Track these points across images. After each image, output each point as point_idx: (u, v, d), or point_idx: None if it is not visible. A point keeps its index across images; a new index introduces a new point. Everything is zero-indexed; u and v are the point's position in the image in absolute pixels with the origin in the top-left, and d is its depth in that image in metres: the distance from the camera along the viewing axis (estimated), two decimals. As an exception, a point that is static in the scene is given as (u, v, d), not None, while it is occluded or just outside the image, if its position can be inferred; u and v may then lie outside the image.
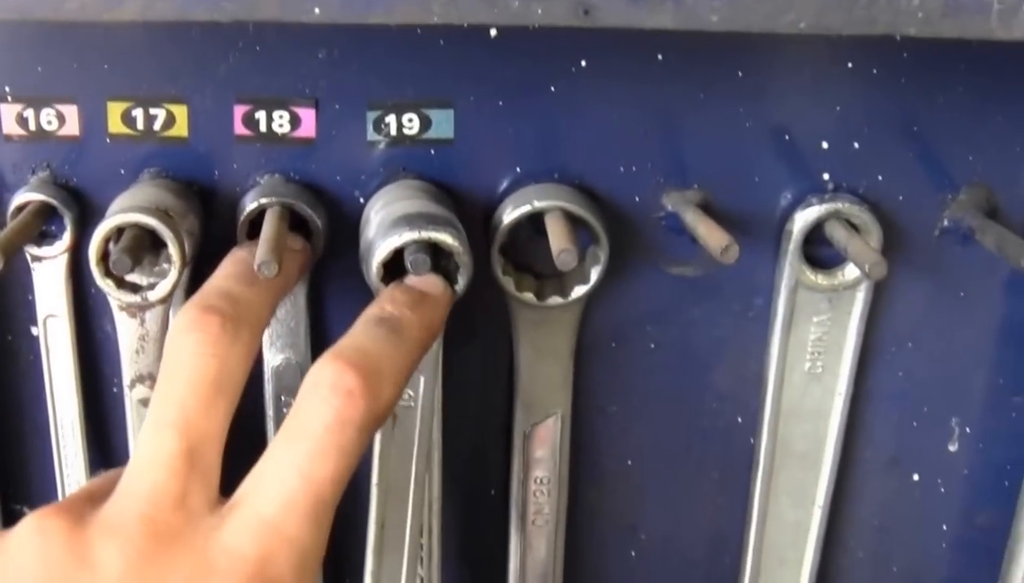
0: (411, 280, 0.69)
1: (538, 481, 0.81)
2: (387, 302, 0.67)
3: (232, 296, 0.65)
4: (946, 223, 0.76)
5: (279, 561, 0.59)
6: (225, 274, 0.68)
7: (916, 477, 0.85)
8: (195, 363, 0.62)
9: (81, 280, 0.79)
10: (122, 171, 0.76)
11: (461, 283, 0.70)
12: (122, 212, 0.70)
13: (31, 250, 0.77)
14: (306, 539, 0.59)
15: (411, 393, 0.74)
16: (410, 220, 0.69)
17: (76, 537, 0.59)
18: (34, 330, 0.81)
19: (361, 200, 0.76)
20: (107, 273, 0.71)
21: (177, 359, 0.63)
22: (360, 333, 0.65)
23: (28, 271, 0.79)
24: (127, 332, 0.74)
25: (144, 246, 0.70)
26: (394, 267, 0.69)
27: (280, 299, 0.70)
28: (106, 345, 0.81)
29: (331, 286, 0.79)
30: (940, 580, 0.89)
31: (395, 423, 0.74)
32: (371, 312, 0.67)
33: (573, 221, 0.71)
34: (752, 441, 0.82)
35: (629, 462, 0.85)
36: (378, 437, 0.75)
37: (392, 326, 0.65)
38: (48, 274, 0.79)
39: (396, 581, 0.79)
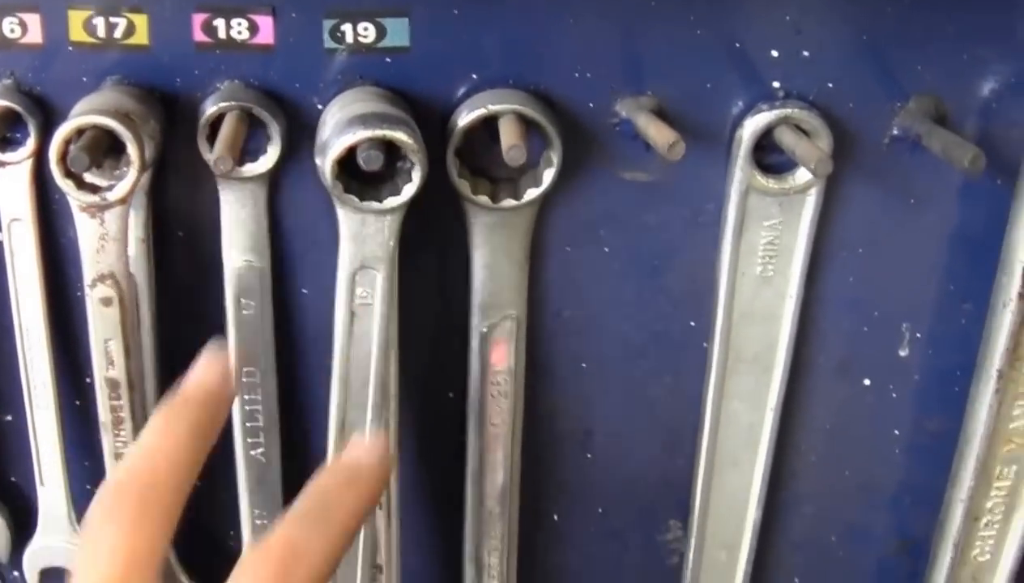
0: (348, 453, 0.72)
1: (495, 383, 0.91)
2: (319, 484, 0.70)
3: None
4: (895, 131, 0.85)
5: None
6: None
7: (867, 382, 0.95)
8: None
9: (45, 185, 0.88)
10: (84, 79, 0.85)
11: (416, 181, 0.79)
12: (83, 114, 0.79)
13: None
14: None
15: (367, 291, 0.84)
16: (364, 119, 0.78)
17: None
18: None
19: (319, 106, 0.85)
20: (67, 173, 0.80)
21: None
22: (289, 522, 0.67)
23: None
24: (87, 232, 0.83)
25: (104, 148, 0.79)
26: (349, 167, 0.79)
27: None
28: (69, 250, 0.90)
29: (289, 190, 0.88)
30: (892, 484, 0.99)
31: (352, 320, 0.84)
32: (304, 496, 0.69)
33: (527, 124, 0.80)
34: (705, 345, 0.91)
35: (584, 365, 0.94)
36: (337, 335, 0.85)
37: (322, 512, 0.68)
38: (12, 179, 0.88)
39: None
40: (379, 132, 0.77)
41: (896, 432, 0.97)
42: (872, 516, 1.01)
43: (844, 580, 1.05)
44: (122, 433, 0.90)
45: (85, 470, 1.00)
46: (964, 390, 0.93)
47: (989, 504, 0.94)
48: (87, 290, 0.85)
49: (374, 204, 0.81)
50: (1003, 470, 0.93)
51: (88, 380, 0.94)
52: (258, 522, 0.97)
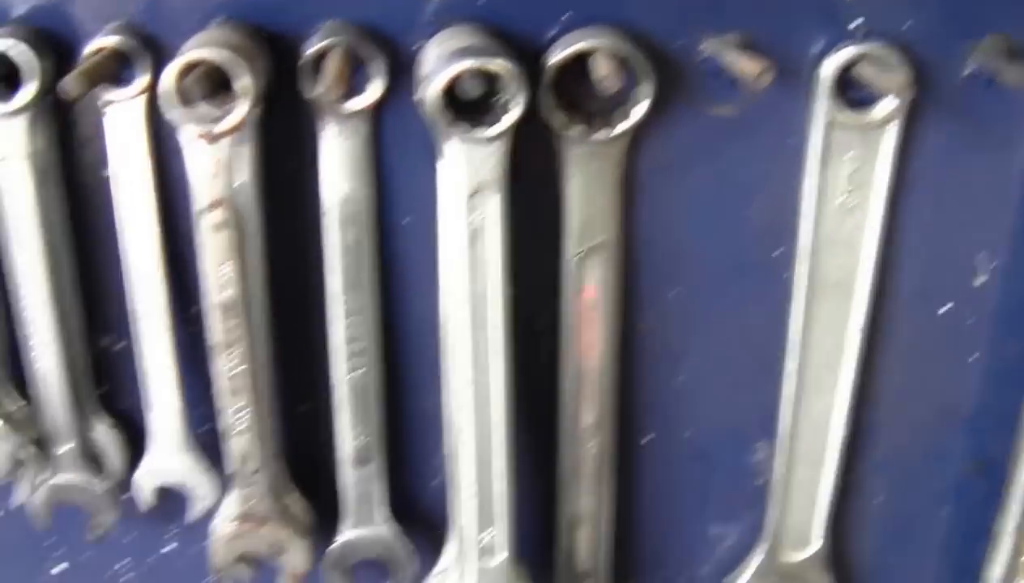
0: None
1: (589, 307, 1.01)
2: None
3: None
4: (971, 68, 0.94)
5: None
6: None
7: (945, 309, 1.04)
8: None
9: (156, 123, 0.99)
10: (194, 19, 0.96)
11: (518, 107, 0.90)
12: (194, 50, 0.90)
13: (106, 95, 0.98)
14: None
15: (482, 214, 0.94)
16: (465, 52, 0.89)
17: None
18: (110, 170, 1.02)
19: (417, 45, 0.95)
20: (180, 104, 0.91)
21: None
22: None
23: (100, 118, 1.00)
24: (200, 161, 0.95)
25: (215, 83, 0.90)
26: (450, 99, 0.89)
27: None
28: (177, 185, 1.01)
29: (389, 124, 0.99)
30: (970, 406, 1.09)
31: (470, 242, 0.95)
32: None
33: (618, 60, 0.90)
34: (790, 272, 1.01)
35: (674, 292, 1.05)
36: (455, 257, 0.96)
37: None
38: (124, 117, 0.99)
39: (487, 391, 1.02)
40: (479, 62, 0.87)
41: (973, 357, 1.06)
42: (951, 438, 1.10)
43: (924, 499, 1.14)
44: (235, 354, 1.01)
45: (194, 393, 1.11)
46: None
47: None
48: (200, 217, 0.96)
49: (483, 132, 0.91)
50: None
51: (194, 308, 1.05)
52: (358, 441, 1.08)
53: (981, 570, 1.13)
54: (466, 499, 1.06)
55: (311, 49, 0.94)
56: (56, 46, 0.99)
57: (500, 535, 1.07)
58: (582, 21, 0.94)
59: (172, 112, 0.91)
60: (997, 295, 1.04)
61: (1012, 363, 1.05)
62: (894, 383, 1.08)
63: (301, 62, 0.94)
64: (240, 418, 1.05)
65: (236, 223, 0.97)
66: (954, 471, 1.12)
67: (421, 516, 1.16)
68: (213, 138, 0.93)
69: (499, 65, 0.88)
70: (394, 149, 1.00)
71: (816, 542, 1.11)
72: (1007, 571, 1.10)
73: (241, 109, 0.92)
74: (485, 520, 1.07)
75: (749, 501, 1.13)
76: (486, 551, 1.08)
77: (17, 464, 1.14)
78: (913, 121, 0.96)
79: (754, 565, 1.13)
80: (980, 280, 1.03)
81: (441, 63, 0.89)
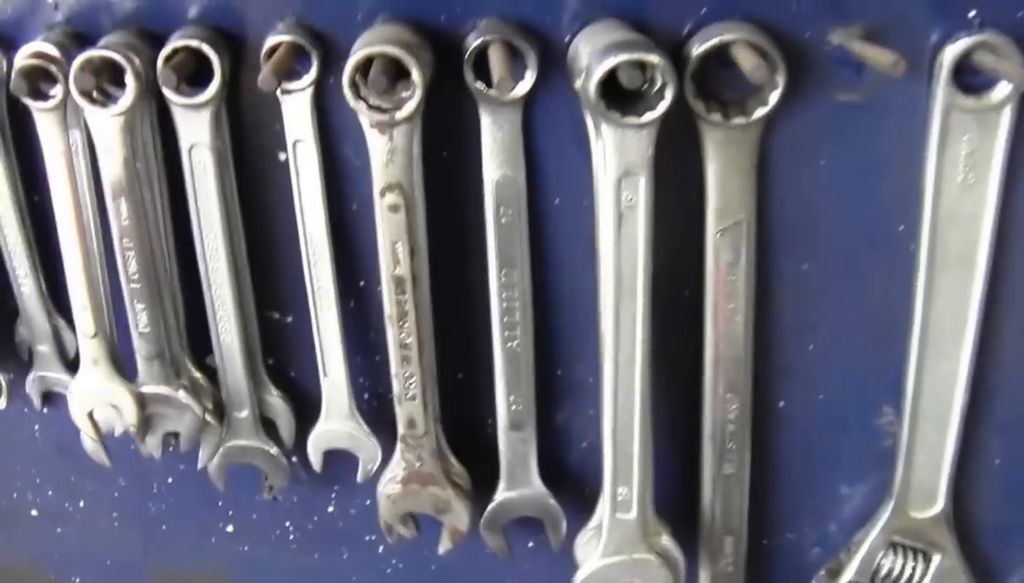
0: None
1: (728, 280, 1.13)
2: None
3: None
4: None
5: None
6: None
7: (1061, 278, 1.13)
8: None
9: (325, 110, 1.14)
10: (359, 16, 1.11)
11: (668, 97, 1.01)
12: (371, 45, 1.04)
13: (283, 84, 1.12)
14: None
15: (632, 194, 1.06)
16: (621, 45, 1.01)
17: None
18: (282, 156, 1.17)
19: (567, 38, 1.09)
20: (358, 96, 1.05)
21: None
22: None
23: (277, 105, 1.14)
24: (377, 147, 1.07)
25: (391, 75, 1.03)
26: (607, 88, 1.01)
27: None
28: (345, 166, 1.16)
29: (539, 112, 1.12)
30: (1091, 375, 1.17)
31: (621, 221, 1.08)
32: None
33: (755, 51, 1.02)
34: (914, 246, 1.11)
35: (806, 265, 1.16)
36: (607, 234, 1.08)
37: None
38: (296, 105, 1.14)
39: (631, 358, 1.14)
40: (637, 55, 1.00)
41: (1091, 323, 1.15)
42: (1071, 403, 1.19)
43: (1042, 462, 1.23)
44: (406, 325, 1.15)
45: (358, 364, 1.27)
46: None
47: None
48: (377, 198, 1.09)
49: (634, 119, 1.03)
50: None
51: (362, 283, 1.20)
52: (513, 408, 1.21)
53: None
54: (606, 458, 1.17)
55: (472, 44, 1.07)
56: (231, 42, 1.14)
57: (634, 492, 1.19)
58: (717, 16, 1.06)
59: (353, 103, 1.05)
60: None
61: None
62: (1013, 350, 1.17)
63: (466, 56, 1.07)
64: (409, 385, 1.17)
65: (407, 205, 1.09)
66: None
67: (573, 477, 1.29)
68: (389, 126, 1.06)
69: (654, 57, 0.99)
70: (545, 136, 1.12)
71: (940, 501, 1.20)
72: None
73: (414, 100, 1.05)
74: (622, 478, 1.18)
75: (876, 462, 1.23)
76: (622, 506, 1.20)
77: (201, 428, 1.30)
78: None
79: (881, 523, 1.23)
80: None
81: (597, 56, 1.00)
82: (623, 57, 0.99)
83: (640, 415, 1.15)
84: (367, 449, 1.29)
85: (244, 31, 1.14)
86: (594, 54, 1.02)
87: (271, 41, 1.11)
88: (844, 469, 1.27)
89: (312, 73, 1.12)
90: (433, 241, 1.16)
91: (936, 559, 1.24)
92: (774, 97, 1.05)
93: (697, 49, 1.04)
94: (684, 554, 1.25)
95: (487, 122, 1.11)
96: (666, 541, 1.23)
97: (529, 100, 1.11)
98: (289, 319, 1.27)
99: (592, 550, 1.23)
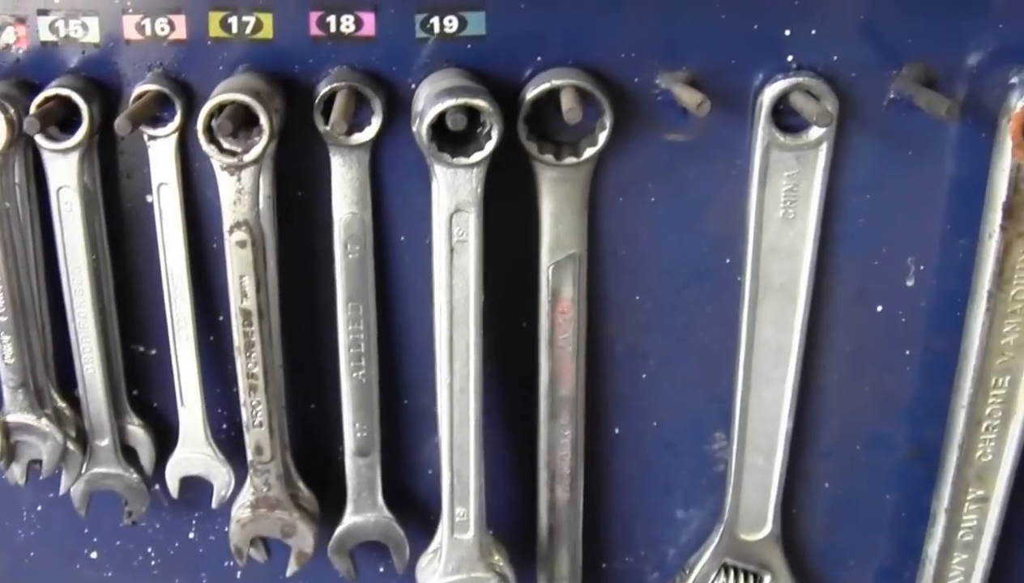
0: None
1: (562, 312, 1.16)
2: None
3: None
4: (892, 94, 1.09)
5: None
6: None
7: (880, 308, 1.18)
8: None
9: (188, 155, 1.17)
10: (220, 67, 1.13)
11: (494, 138, 1.05)
12: (223, 93, 1.07)
13: (147, 131, 1.15)
14: None
15: (463, 230, 1.10)
16: (450, 92, 1.04)
17: None
18: (149, 197, 1.19)
19: (412, 86, 1.12)
20: (211, 140, 1.07)
21: None
22: None
23: (145, 150, 1.17)
24: (227, 188, 1.10)
25: (240, 120, 1.06)
26: (439, 131, 1.05)
27: None
28: (206, 207, 1.18)
29: (388, 155, 1.15)
30: (906, 397, 1.22)
31: (452, 255, 1.11)
32: None
33: (583, 95, 1.06)
34: (738, 278, 1.15)
35: (637, 297, 1.19)
36: (440, 269, 1.11)
37: None
38: (161, 150, 1.17)
39: (465, 384, 1.16)
40: (462, 100, 1.03)
41: (907, 351, 1.20)
42: (890, 426, 1.24)
43: (868, 484, 1.27)
44: (253, 355, 1.17)
45: (216, 394, 1.29)
46: (964, 314, 1.14)
47: (988, 410, 1.15)
48: (226, 235, 1.12)
49: (463, 159, 1.06)
50: (998, 380, 1.13)
51: (220, 317, 1.22)
52: (359, 435, 1.24)
53: (922, 548, 1.26)
54: (444, 480, 1.20)
55: (321, 92, 1.10)
56: (104, 91, 1.16)
57: (471, 512, 1.21)
58: (554, 62, 1.10)
59: (205, 147, 1.07)
60: (927, 295, 1.17)
61: (942, 356, 1.18)
62: (836, 377, 1.21)
63: (315, 101, 1.11)
64: (256, 413, 1.20)
65: (254, 242, 1.12)
66: (895, 457, 1.25)
67: (419, 503, 1.31)
68: (237, 168, 1.09)
69: (479, 102, 1.03)
70: (392, 176, 1.16)
71: (769, 524, 1.23)
72: (944, 547, 1.23)
73: (261, 144, 1.08)
74: (460, 499, 1.21)
75: (710, 487, 1.27)
76: (459, 526, 1.22)
77: (62, 455, 1.31)
78: (843, 142, 1.10)
79: (712, 546, 1.26)
80: (911, 282, 1.16)
81: (431, 101, 1.04)
82: (450, 102, 1.03)
83: (475, 439, 1.18)
84: (221, 476, 1.31)
85: (118, 81, 1.17)
86: (428, 100, 1.06)
87: (139, 89, 1.14)
88: (679, 494, 1.30)
89: (176, 120, 1.16)
90: (285, 276, 1.20)
91: (767, 580, 1.28)
92: (602, 137, 1.09)
93: (529, 94, 1.08)
94: (523, 575, 1.28)
95: (337, 164, 1.15)
96: (501, 562, 1.26)
97: (377, 143, 1.14)
98: (153, 352, 1.29)
99: (432, 571, 1.25)
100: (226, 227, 1.12)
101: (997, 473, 1.19)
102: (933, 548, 1.24)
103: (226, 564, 1.37)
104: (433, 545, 1.26)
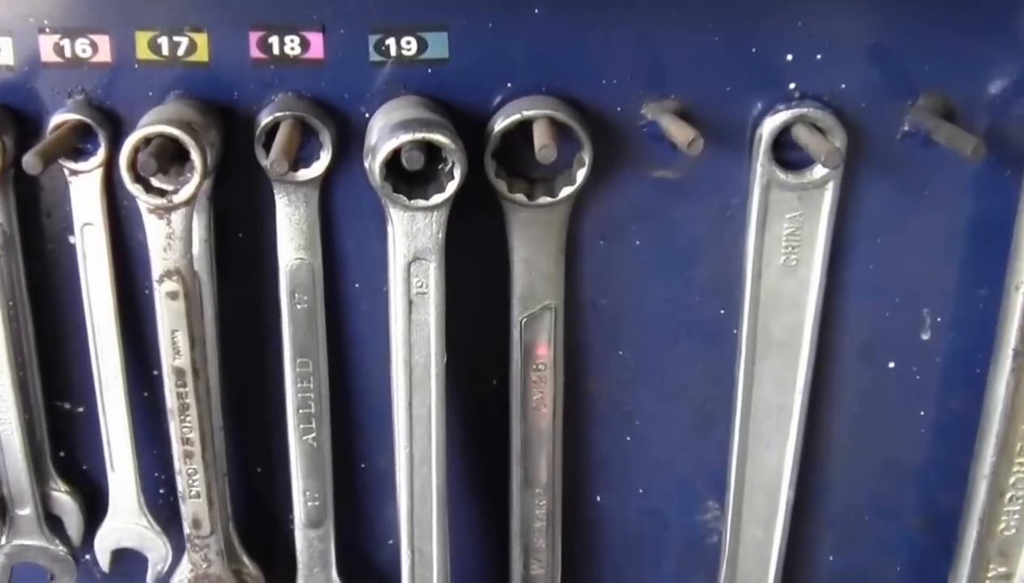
0: None
1: (536, 369, 1.06)
2: None
3: None
4: (907, 127, 0.99)
5: None
6: None
7: (891, 364, 1.08)
8: None
9: (115, 193, 1.05)
10: (150, 93, 1.01)
11: (457, 178, 0.94)
12: (150, 125, 0.95)
13: (69, 165, 1.03)
14: None
15: (422, 280, 0.99)
16: (406, 125, 0.93)
17: None
18: (71, 239, 1.07)
19: (366, 115, 1.00)
20: (136, 178, 0.95)
21: None
22: None
23: (66, 186, 1.05)
24: (155, 232, 0.99)
25: (169, 155, 0.95)
26: (397, 169, 0.94)
27: None
28: (137, 252, 1.07)
29: (340, 193, 1.04)
30: (919, 462, 1.12)
31: (411, 308, 1.00)
32: None
33: (559, 128, 0.95)
34: (734, 331, 1.05)
35: (620, 352, 1.09)
36: (397, 323, 1.01)
37: None
38: (85, 187, 1.05)
39: (427, 453, 1.05)
40: (420, 135, 0.92)
41: (921, 412, 1.10)
42: (900, 494, 1.14)
43: (875, 555, 1.18)
44: (188, 419, 1.05)
45: (153, 457, 1.16)
46: (985, 371, 1.05)
47: (1012, 479, 1.06)
48: (155, 285, 1.00)
49: (421, 202, 0.96)
50: None
51: (156, 372, 1.10)
52: (309, 504, 1.13)
53: None
54: (403, 559, 1.10)
55: (262, 122, 0.99)
56: (19, 120, 1.04)
57: None
58: (526, 89, 0.99)
59: (130, 186, 0.96)
60: (943, 350, 1.07)
61: (958, 418, 1.09)
62: (842, 440, 1.12)
63: (256, 133, 0.99)
64: (193, 482, 1.08)
65: (187, 293, 1.01)
66: (905, 527, 1.16)
67: (378, 575, 1.20)
68: (166, 211, 0.97)
69: (439, 138, 0.92)
70: (344, 217, 1.05)
71: None
72: None
73: (192, 183, 0.96)
74: (421, 580, 1.11)
75: (702, 560, 1.17)
76: None
77: None
78: (851, 180, 1.00)
79: None
80: (926, 335, 1.07)
81: (385, 135, 0.94)
82: (405, 138, 0.93)
83: (438, 513, 1.08)
84: (156, 548, 1.19)
85: (36, 108, 1.05)
86: (382, 133, 0.95)
87: (57, 119, 1.02)
88: (668, 568, 1.21)
89: (100, 154, 1.04)
90: (225, 328, 1.09)
91: None
92: (581, 175, 0.98)
93: (498, 125, 0.97)
94: None
95: (282, 203, 1.04)
96: None
97: (327, 179, 1.03)
98: (80, 409, 1.17)
99: None
100: (155, 276, 1.01)
101: (1021, 548, 1.10)
102: None
103: (165, 643, 1.23)
104: None
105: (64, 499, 1.20)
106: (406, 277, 0.99)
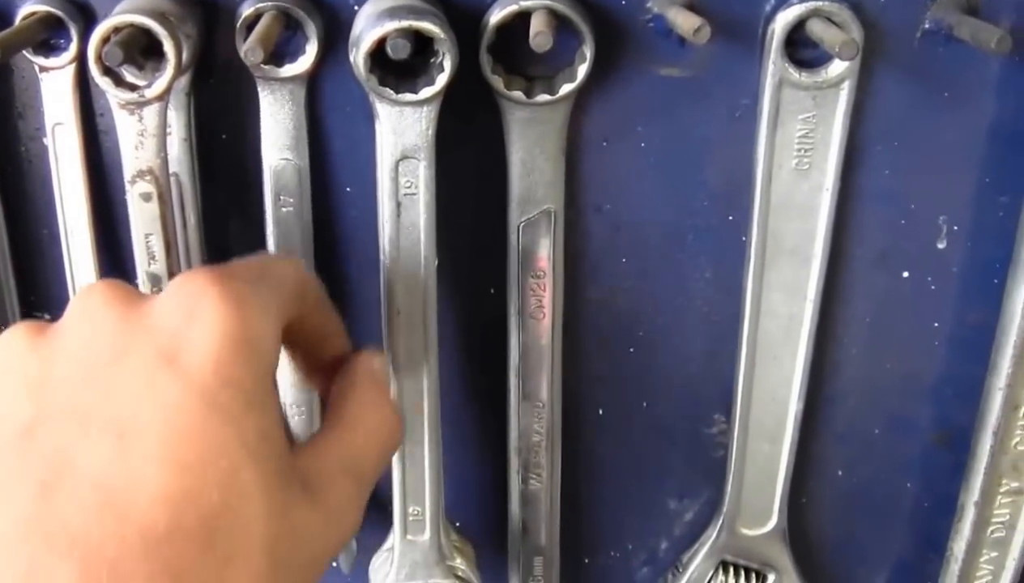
0: None
1: (535, 276, 1.00)
2: None
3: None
4: (928, 24, 0.92)
5: None
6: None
7: (906, 274, 1.02)
8: None
9: (88, 91, 0.98)
10: (127, -19, 0.94)
11: (447, 70, 0.88)
12: (121, 14, 0.88)
13: (39, 61, 0.96)
14: None
15: (411, 181, 0.93)
16: (393, 12, 0.87)
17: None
18: (44, 140, 1.00)
19: (355, 8, 0.93)
20: (106, 71, 0.89)
21: None
22: None
23: (37, 82, 0.98)
24: (126, 130, 0.92)
25: (141, 47, 0.88)
26: (384, 62, 0.87)
27: None
28: (112, 153, 1.00)
29: (328, 90, 0.97)
30: (933, 375, 1.07)
31: (399, 210, 0.94)
32: None
33: (559, 19, 0.88)
34: (744, 239, 0.99)
35: (624, 260, 1.03)
36: (384, 225, 0.95)
37: None
38: (56, 84, 0.98)
39: (416, 366, 1.00)
40: (406, 23, 0.86)
41: (936, 324, 1.05)
42: (914, 408, 1.09)
43: (886, 471, 1.12)
44: None
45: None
46: (1003, 282, 1.00)
47: None
48: (127, 186, 0.94)
49: (409, 95, 0.89)
50: None
51: (135, 283, 1.02)
52: (296, 417, 1.08)
53: (947, 544, 1.11)
54: (394, 474, 1.05)
55: (246, 12, 0.92)
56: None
57: (427, 510, 1.07)
58: None
59: (98, 79, 0.89)
60: (960, 260, 1.02)
61: (975, 330, 1.04)
62: (854, 352, 1.06)
63: (237, 26, 0.92)
64: None
65: (162, 194, 0.94)
66: (918, 442, 1.11)
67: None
68: (137, 107, 0.91)
69: (427, 26, 0.86)
70: (334, 115, 0.98)
71: (774, 517, 1.10)
72: (971, 544, 1.09)
73: (165, 78, 0.89)
74: (413, 496, 1.06)
75: (708, 475, 1.12)
76: (413, 526, 1.08)
77: None
78: (868, 81, 0.94)
79: (709, 541, 1.12)
80: (942, 244, 1.01)
81: (371, 23, 0.87)
82: (391, 26, 0.86)
83: (430, 426, 1.03)
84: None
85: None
86: (367, 22, 0.88)
87: (26, 9, 0.95)
88: (672, 483, 1.15)
89: (72, 48, 0.96)
90: (211, 234, 1.03)
91: (771, 579, 1.13)
92: (582, 71, 0.92)
93: (494, 17, 0.90)
94: (493, 576, 1.14)
95: (266, 102, 0.96)
96: (464, 566, 1.11)
97: (315, 76, 0.96)
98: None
99: (384, 576, 1.10)
100: (127, 177, 0.94)
101: None
102: (960, 545, 1.10)
103: None
104: (387, 543, 1.11)
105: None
106: (394, 177, 0.93)
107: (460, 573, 1.09)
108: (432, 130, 0.91)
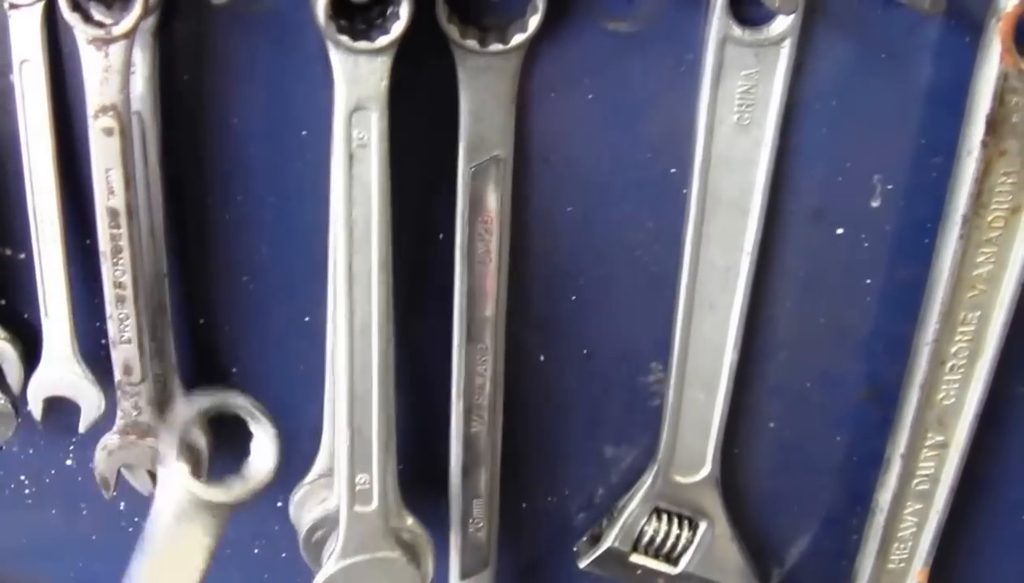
0: None
1: (483, 222, 1.00)
2: None
3: None
4: None
5: None
6: None
7: (840, 231, 1.03)
8: None
9: (56, 29, 0.97)
10: (96, -87, 0.93)
11: (403, 17, 0.87)
12: None
13: None
14: None
15: (364, 132, 0.92)
16: None
17: None
18: (11, 76, 0.99)
19: None
20: (75, 7, 0.89)
21: None
22: None
23: (5, 19, 0.97)
24: (92, 65, 0.92)
25: None
26: (344, 12, 0.87)
27: None
28: (77, 91, 0.98)
29: (289, 36, 0.97)
30: (864, 331, 1.07)
31: (352, 161, 0.93)
32: None
33: None
34: (684, 191, 0.99)
35: (569, 209, 1.03)
36: (337, 176, 0.94)
37: None
38: (24, 22, 0.97)
39: (367, 318, 0.99)
40: None
41: (868, 281, 1.05)
42: (845, 362, 1.09)
43: (817, 424, 1.13)
44: (120, 262, 0.99)
45: (90, 304, 1.09)
46: (934, 241, 1.00)
47: (954, 348, 1.02)
48: (90, 121, 0.94)
49: (365, 44, 0.89)
50: (967, 315, 1.00)
51: (93, 216, 1.02)
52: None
53: (872, 495, 1.12)
54: (339, 441, 1.03)
55: None
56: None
57: (375, 479, 1.05)
58: None
59: (67, 15, 0.89)
60: (893, 218, 1.03)
61: (906, 287, 1.04)
62: (788, 305, 1.07)
63: None
64: (124, 327, 1.02)
65: (123, 130, 0.94)
66: (849, 396, 1.12)
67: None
68: (104, 43, 0.91)
69: None
70: (296, 58, 0.98)
71: (708, 465, 1.11)
72: (896, 496, 1.10)
73: (132, 15, 0.89)
74: (360, 463, 1.04)
75: (644, 423, 1.13)
76: (361, 497, 1.06)
77: None
78: (809, 39, 0.94)
79: (644, 488, 1.12)
80: (876, 203, 1.02)
81: None
82: None
83: (379, 386, 1.02)
84: (89, 396, 1.12)
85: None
86: None
87: None
88: (609, 430, 1.15)
89: None
90: (174, 172, 1.03)
91: (703, 526, 1.14)
92: (534, 22, 0.92)
93: None
94: (432, 516, 1.13)
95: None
96: (412, 526, 1.10)
97: (275, 21, 0.97)
98: (22, 256, 1.10)
99: (328, 551, 1.09)
100: (90, 112, 0.94)
101: (959, 418, 1.06)
102: (885, 496, 1.11)
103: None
104: (310, 475, 1.11)
105: (3, 347, 1.13)
106: (347, 128, 0.92)
107: (407, 535, 1.09)
108: (386, 81, 0.91)
